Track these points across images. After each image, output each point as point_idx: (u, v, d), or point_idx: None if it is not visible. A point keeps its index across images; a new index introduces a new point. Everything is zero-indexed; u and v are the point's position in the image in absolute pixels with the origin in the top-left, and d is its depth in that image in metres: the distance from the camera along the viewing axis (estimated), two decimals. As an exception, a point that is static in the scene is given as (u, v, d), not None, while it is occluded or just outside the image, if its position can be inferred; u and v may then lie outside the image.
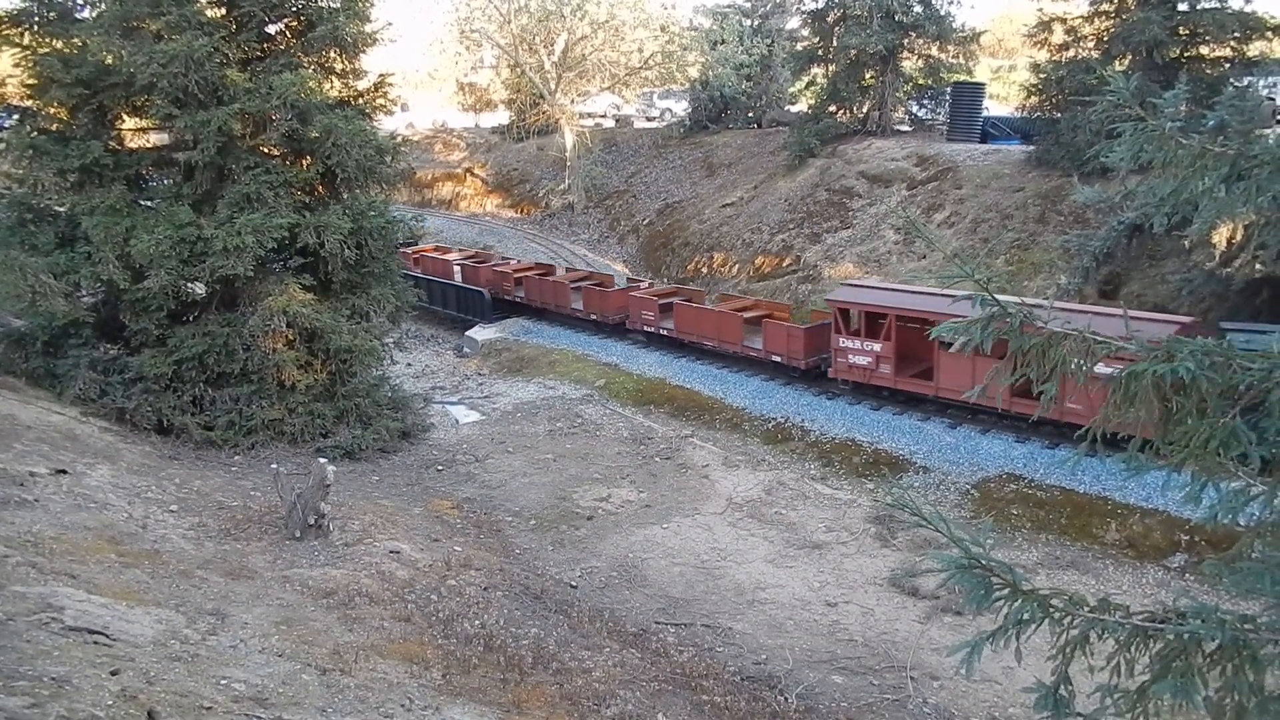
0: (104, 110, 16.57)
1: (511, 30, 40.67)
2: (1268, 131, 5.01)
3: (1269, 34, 22.06)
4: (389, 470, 17.46)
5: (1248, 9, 22.06)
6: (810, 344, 20.34)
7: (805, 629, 12.44)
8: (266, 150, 17.18)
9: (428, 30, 77.46)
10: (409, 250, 29.87)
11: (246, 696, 6.65)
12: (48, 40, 16.24)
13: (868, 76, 32.54)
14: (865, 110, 33.18)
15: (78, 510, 10.69)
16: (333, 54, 17.99)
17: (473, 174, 47.54)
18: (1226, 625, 4.24)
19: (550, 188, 42.07)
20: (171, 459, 15.27)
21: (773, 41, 39.67)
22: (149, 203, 17.40)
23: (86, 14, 16.62)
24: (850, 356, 19.43)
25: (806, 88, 38.91)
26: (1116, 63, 22.51)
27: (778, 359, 21.00)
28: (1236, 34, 21.89)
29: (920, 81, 33.18)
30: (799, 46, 37.55)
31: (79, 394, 15.87)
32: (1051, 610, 4.61)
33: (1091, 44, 24.24)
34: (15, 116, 16.85)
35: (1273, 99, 22.53)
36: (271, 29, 17.88)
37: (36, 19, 16.27)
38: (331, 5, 17.69)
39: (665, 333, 23.53)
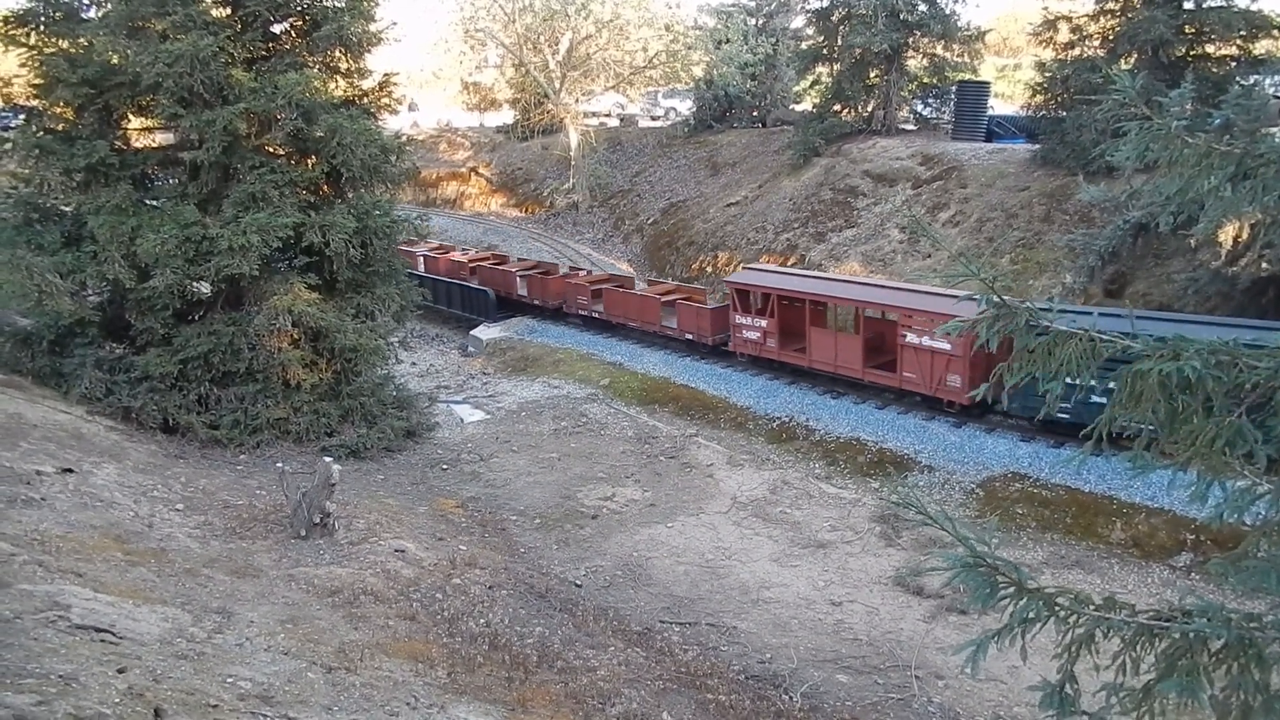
0: (109, 110, 16.60)
1: (516, 29, 40.69)
2: (1274, 130, 5.00)
3: (1275, 32, 21.97)
4: (394, 469, 17.49)
5: (1254, 7, 21.99)
6: (715, 323, 22.76)
7: (810, 628, 12.43)
8: (272, 150, 17.21)
9: (432, 30, 77.52)
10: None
11: (252, 694, 6.67)
12: (54, 40, 16.27)
13: (872, 75, 32.50)
14: (870, 109, 33.14)
15: (84, 509, 10.72)
16: (338, 53, 18.03)
17: (477, 173, 47.58)
18: (1232, 624, 4.24)
19: (555, 187, 42.07)
20: (177, 458, 15.31)
21: (777, 40, 39.64)
22: (154, 202, 17.42)
23: (92, 14, 16.66)
24: (744, 332, 21.76)
25: (811, 87, 38.86)
26: (1122, 61, 22.46)
27: (690, 336, 23.40)
28: (1243, 32, 21.82)
29: (925, 80, 33.12)
30: (804, 45, 37.50)
31: (85, 393, 15.90)
32: (1057, 609, 4.61)
33: (1097, 42, 24.18)
34: (21, 116, 16.91)
35: (1279, 97, 22.47)
36: (276, 28, 17.92)
37: (42, 19, 16.30)
38: (336, 5, 17.72)
39: (596, 315, 25.98)
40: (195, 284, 16.95)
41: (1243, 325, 14.82)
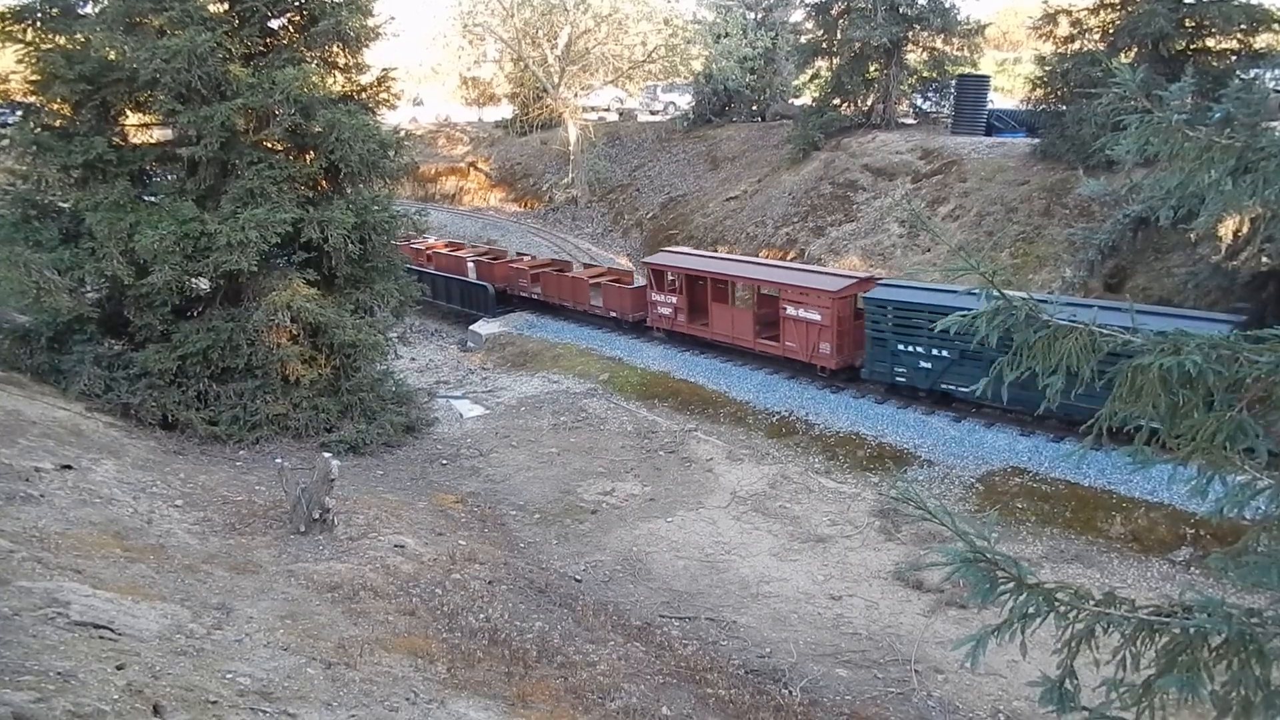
0: (107, 106, 16.59)
1: (514, 24, 40.61)
2: (1274, 124, 4.98)
3: (1276, 26, 21.90)
4: (393, 465, 17.49)
5: (1254, 1, 21.92)
6: (635, 301, 24.78)
7: (809, 622, 12.44)
8: (270, 145, 17.19)
9: (431, 24, 77.43)
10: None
11: (252, 690, 6.66)
12: (51, 36, 16.26)
13: (872, 69, 32.43)
14: (869, 103, 33.08)
15: (83, 505, 10.72)
16: (335, 48, 18.00)
17: (476, 168, 47.50)
18: (1233, 619, 4.23)
19: (554, 182, 42.01)
20: (176, 454, 15.31)
21: (776, 34, 39.55)
22: (153, 198, 17.41)
23: (89, 10, 16.66)
24: (659, 309, 23.89)
25: (810, 81, 38.77)
26: (1122, 55, 22.40)
27: (614, 314, 25.29)
28: (1243, 26, 21.75)
29: (925, 74, 33.06)
30: (803, 39, 37.40)
31: (84, 390, 15.89)
32: (1056, 604, 4.60)
33: (1097, 36, 24.11)
34: (19, 113, 16.87)
35: (1279, 92, 22.43)
36: (274, 24, 17.89)
37: (39, 15, 16.29)
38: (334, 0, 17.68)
39: (535, 296, 27.86)
40: (194, 280, 16.95)
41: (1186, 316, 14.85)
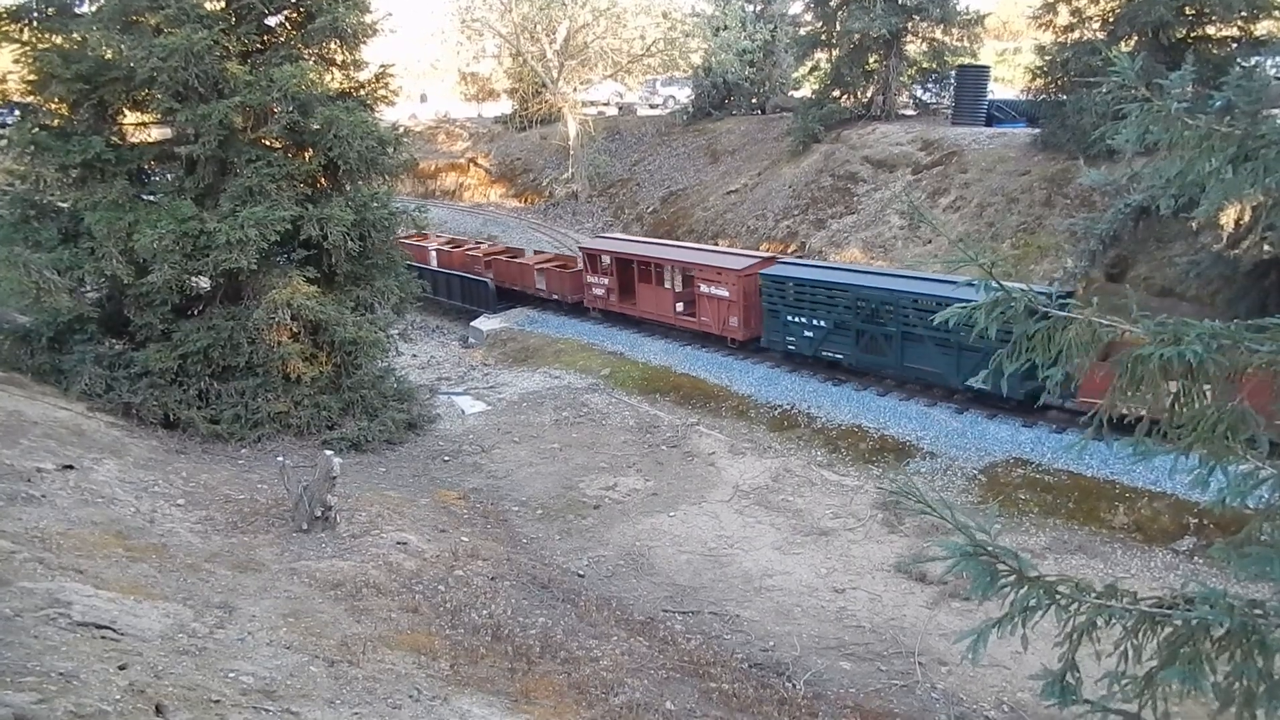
0: (105, 105, 16.55)
1: (513, 19, 40.52)
2: (1275, 111, 4.95)
3: (1276, 13, 21.82)
4: (395, 462, 17.49)
5: (1254, -12, 21.83)
6: (574, 284, 26.61)
7: (813, 616, 12.44)
8: (268, 143, 17.16)
9: (429, 20, 77.15)
10: None
11: (255, 689, 6.66)
12: (47, 36, 16.23)
13: (871, 61, 32.34)
14: (869, 95, 33.00)
15: (85, 505, 10.72)
16: (333, 45, 17.94)
17: (476, 164, 47.47)
18: (1235, 611, 4.22)
19: (554, 177, 41.96)
20: (178, 453, 15.31)
21: (775, 27, 39.45)
22: (151, 197, 17.39)
23: (86, 9, 16.62)
24: (594, 289, 25.75)
25: (810, 73, 38.68)
26: (1122, 44, 22.29)
27: (556, 296, 27.12)
28: (1243, 13, 21.65)
29: (924, 65, 32.97)
30: (802, 31, 37.32)
31: (85, 389, 15.89)
32: (1058, 597, 4.59)
33: (1097, 25, 24.01)
34: (17, 113, 16.84)
35: (1280, 78, 22.33)
36: (271, 21, 17.82)
37: (36, 14, 16.26)
38: (331, -4, 17.62)
39: (488, 280, 29.26)
40: (193, 279, 16.93)
41: None
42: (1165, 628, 4.46)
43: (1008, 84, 40.53)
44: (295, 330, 17.19)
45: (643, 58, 41.62)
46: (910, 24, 31.39)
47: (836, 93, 32.85)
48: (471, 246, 31.47)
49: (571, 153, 40.66)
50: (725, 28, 38.59)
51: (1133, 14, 21.93)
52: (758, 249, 28.57)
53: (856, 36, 31.00)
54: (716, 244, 30.46)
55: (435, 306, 29.90)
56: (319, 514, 11.89)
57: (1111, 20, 23.33)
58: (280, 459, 14.08)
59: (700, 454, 17.88)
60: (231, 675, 6.81)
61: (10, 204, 16.51)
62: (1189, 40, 22.21)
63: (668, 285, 23.70)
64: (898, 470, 16.55)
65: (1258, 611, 4.27)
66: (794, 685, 10.49)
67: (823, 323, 19.78)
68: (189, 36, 15.13)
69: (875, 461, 17.12)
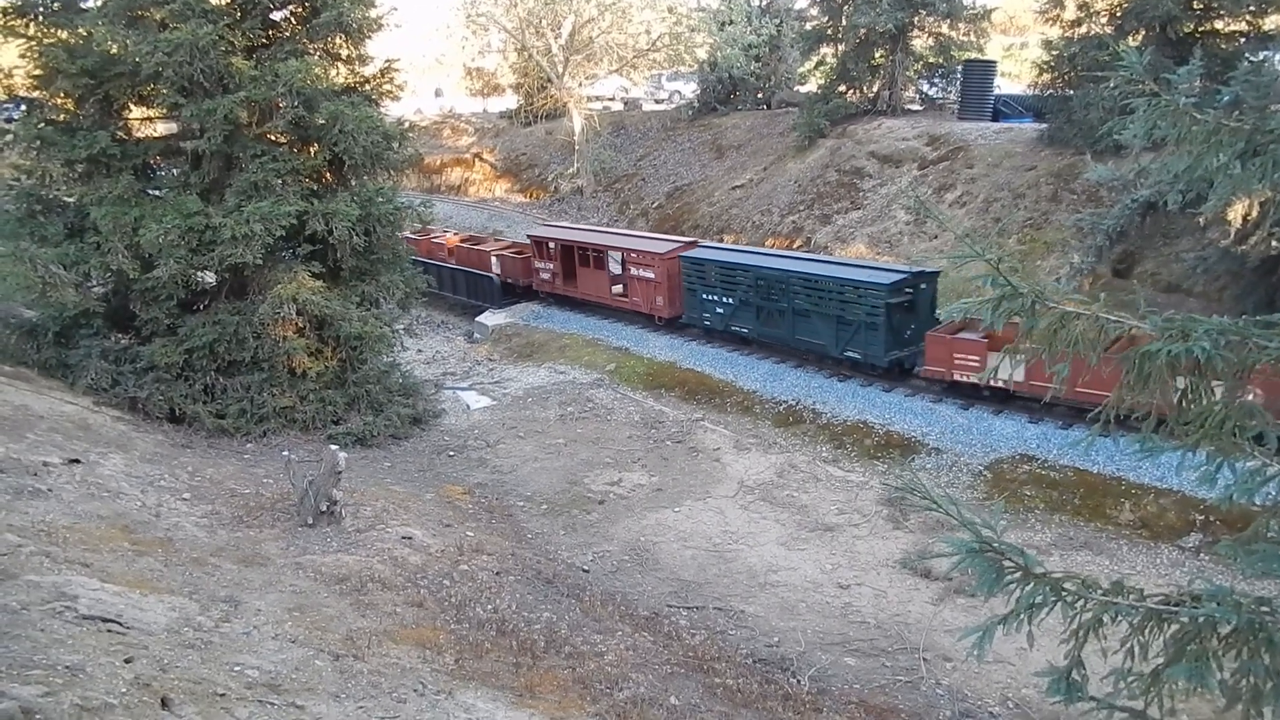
0: (110, 100, 16.57)
1: (518, 13, 40.43)
2: (1284, 106, 4.92)
3: (1285, 7, 21.68)
4: (401, 456, 17.51)
5: (1263, -18, 21.69)
6: (525, 269, 28.25)
7: (817, 611, 12.43)
8: (273, 138, 17.16)
9: (434, 15, 77.10)
10: None
11: (260, 683, 6.67)
12: (53, 31, 16.24)
13: (877, 55, 32.22)
14: (875, 90, 32.89)
15: (91, 499, 10.75)
16: (338, 40, 17.93)
17: (481, 159, 47.40)
18: (1242, 608, 4.20)
19: (559, 172, 41.90)
20: (184, 447, 15.35)
21: (781, 21, 39.30)
22: (157, 192, 17.40)
23: (91, 4, 16.64)
24: (540, 274, 27.62)
25: (816, 68, 38.53)
26: (1130, 38, 22.20)
27: (509, 280, 28.61)
28: (1252, 8, 21.51)
29: (931, 60, 32.84)
30: (808, 26, 37.16)
31: (91, 384, 15.94)
32: (1064, 593, 4.57)
33: (1104, 19, 23.89)
34: (22, 108, 16.86)
35: (1289, 73, 22.17)
36: (276, 15, 17.83)
37: (41, 9, 16.28)
38: (335, -10, 17.60)
39: (451, 265, 30.86)
40: (199, 274, 16.95)
41: None
42: (1172, 625, 4.45)
43: (1014, 79, 40.38)
44: (300, 325, 17.22)
45: (648, 52, 41.48)
46: (916, 18, 31.25)
47: (842, 88, 32.74)
48: (438, 235, 32.60)
49: (577, 148, 40.59)
50: (731, 22, 38.45)
51: (1140, 8, 21.80)
52: (763, 244, 28.58)
53: (862, 31, 30.87)
54: (721, 239, 30.44)
55: (440, 301, 29.96)
56: (324, 509, 11.91)
57: (1119, 14, 23.20)
58: (286, 454, 14.10)
59: (705, 449, 17.87)
60: (237, 669, 6.82)
61: (16, 199, 16.54)
62: (1197, 35, 22.09)
63: (604, 269, 25.56)
64: (903, 466, 16.53)
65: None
66: (798, 681, 10.49)
67: (731, 300, 21.88)
68: (194, 31, 15.13)
69: (880, 457, 17.09)
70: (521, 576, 11.96)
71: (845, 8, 32.50)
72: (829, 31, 34.24)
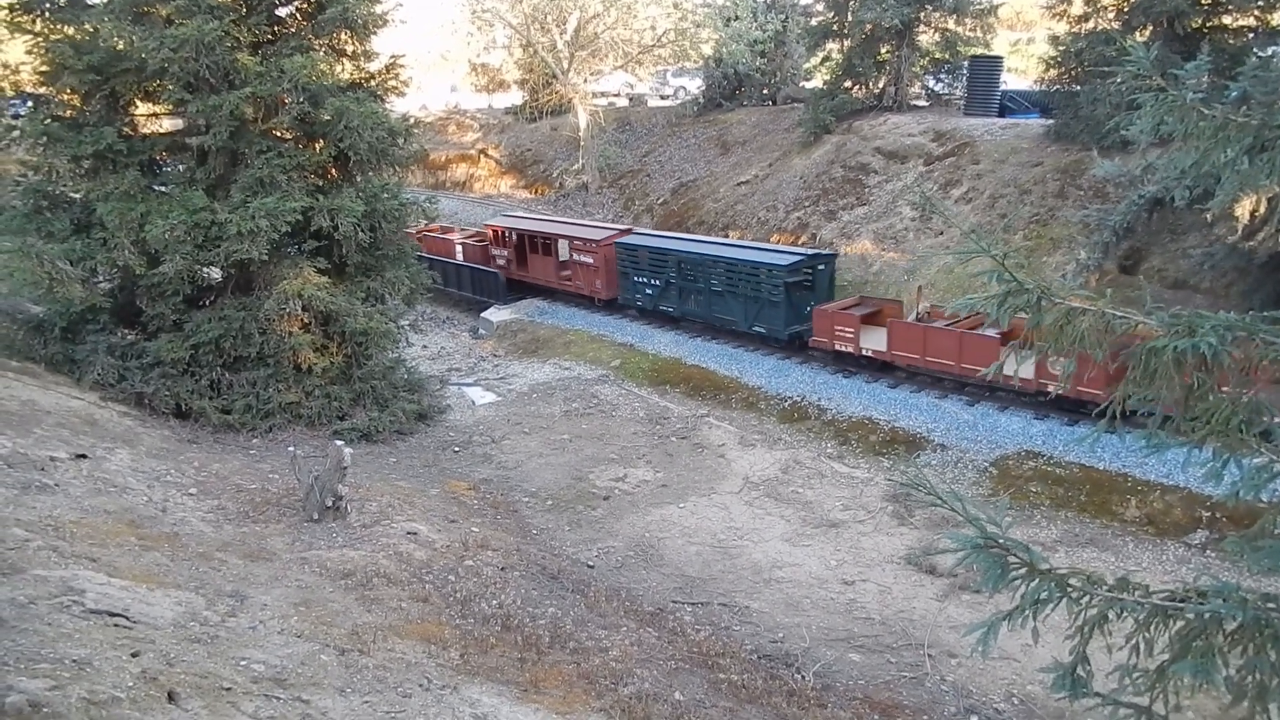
0: (116, 96, 16.57)
1: (523, 9, 40.38)
2: (1292, 101, 4.89)
3: (1294, 2, 21.56)
4: (406, 452, 17.54)
5: (1272, -23, 21.57)
6: (484, 255, 30.10)
7: (822, 607, 12.44)
8: (279, 134, 17.15)
9: (439, 10, 77.00)
10: None
11: (266, 677, 6.70)
12: (59, 27, 16.22)
13: (883, 51, 32.11)
14: (881, 86, 32.78)
15: (98, 494, 10.78)
16: (344, 36, 17.91)
17: (486, 155, 47.39)
18: (1248, 604, 4.19)
19: (564, 168, 41.88)
20: (190, 443, 15.39)
21: (787, 17, 39.19)
22: (163, 188, 17.43)
23: (97, 0, 16.61)
24: (497, 260, 29.52)
25: (821, 63, 38.40)
26: (1137, 33, 22.10)
27: (470, 265, 30.10)
28: (1260, 3, 21.41)
29: (937, 56, 32.69)
30: (813, 22, 37.09)
31: (98, 379, 15.97)
32: (1069, 590, 4.57)
33: (1111, 15, 23.79)
34: (29, 103, 16.89)
35: (1297, 68, 22.03)
36: (282, 11, 17.82)
37: (48, 5, 16.26)
38: (342, -14, 17.59)
39: (421, 254, 31.16)
40: (205, 269, 16.97)
41: None
42: (1177, 621, 4.44)
43: (1021, 74, 40.22)
44: (306, 321, 17.25)
45: (653, 48, 41.40)
46: (923, 14, 31.12)
47: (848, 83, 32.65)
48: (410, 227, 33.64)
49: (582, 144, 40.56)
50: (736, 18, 38.35)
51: (1148, 3, 21.70)
52: (769, 240, 28.57)
53: (868, 27, 30.77)
54: (726, 235, 30.42)
55: (445, 297, 30.01)
56: (330, 504, 11.94)
57: (1126, 10, 23.10)
58: (291, 449, 14.13)
59: (710, 445, 17.88)
60: (243, 663, 6.85)
61: (23, 195, 16.57)
62: (1205, 30, 21.98)
63: (552, 255, 27.51)
64: (908, 462, 16.52)
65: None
66: (803, 677, 10.50)
67: (658, 282, 24.17)
68: (200, 27, 15.13)
69: (886, 454, 17.09)
70: (526, 572, 11.98)
71: (851, 3, 32.40)
72: (835, 27, 34.14)
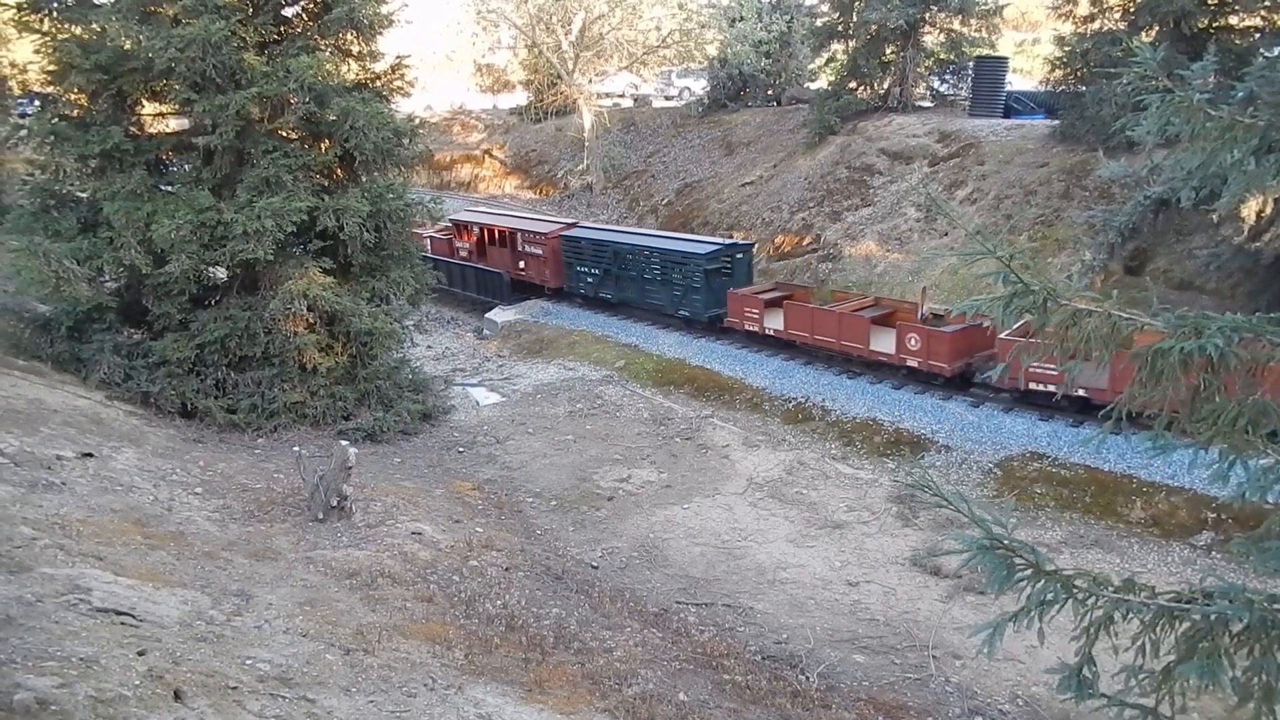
0: (123, 95, 16.61)
1: (528, 9, 40.41)
2: (1299, 101, 4.88)
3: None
4: (410, 452, 17.56)
5: (1278, -23, 21.49)
6: (450, 248, 31.30)
7: (826, 608, 12.43)
8: (284, 134, 17.19)
9: (444, 11, 77.04)
10: None
11: (271, 676, 6.71)
12: (67, 26, 16.27)
13: (888, 52, 32.10)
14: (886, 86, 32.75)
15: (104, 493, 10.81)
16: (349, 36, 17.95)
17: (491, 155, 47.43)
18: (1254, 605, 4.18)
19: (569, 168, 41.90)
20: (195, 442, 15.42)
21: (792, 18, 39.17)
22: (169, 188, 17.47)
23: (104, -1, 16.68)
24: (460, 252, 30.84)
25: (826, 64, 38.40)
26: (1143, 34, 22.04)
27: (437, 257, 30.54)
28: (1267, 3, 21.34)
29: (942, 56, 32.67)
30: (818, 22, 37.03)
31: (104, 378, 16.02)
32: (1075, 591, 4.56)
33: (1117, 15, 23.74)
34: (36, 103, 16.94)
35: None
36: (288, 11, 17.86)
37: (55, 5, 16.31)
38: (348, -13, 17.62)
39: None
40: (211, 269, 17.02)
41: None
42: (1183, 622, 4.44)
43: (1026, 75, 40.16)
44: (311, 321, 17.28)
45: (658, 49, 41.41)
46: (928, 14, 31.07)
47: (853, 84, 32.63)
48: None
49: (586, 144, 40.57)
50: (741, 19, 38.36)
51: (1154, 3, 21.64)
52: (773, 241, 28.58)
53: (873, 27, 30.75)
54: (730, 235, 30.41)
55: (450, 298, 30.06)
56: (335, 504, 11.97)
57: (1132, 10, 23.05)
58: (296, 449, 14.16)
59: (714, 446, 17.88)
60: (248, 662, 6.86)
61: (30, 194, 16.63)
62: (1211, 30, 21.93)
63: (509, 247, 28.84)
64: (913, 463, 16.50)
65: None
66: (807, 678, 10.50)
67: (598, 271, 25.87)
68: (206, 27, 15.17)
69: (890, 455, 17.07)
70: (531, 572, 12.00)
71: (856, 4, 32.34)
72: (840, 28, 34.09)
